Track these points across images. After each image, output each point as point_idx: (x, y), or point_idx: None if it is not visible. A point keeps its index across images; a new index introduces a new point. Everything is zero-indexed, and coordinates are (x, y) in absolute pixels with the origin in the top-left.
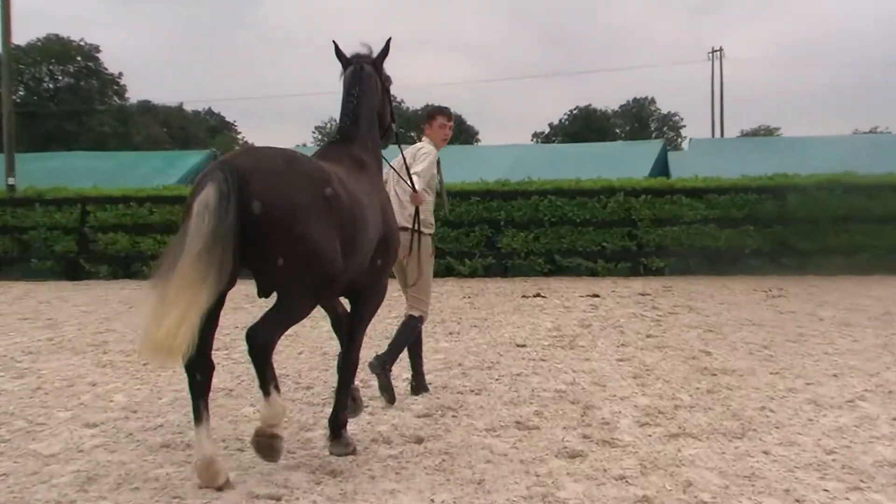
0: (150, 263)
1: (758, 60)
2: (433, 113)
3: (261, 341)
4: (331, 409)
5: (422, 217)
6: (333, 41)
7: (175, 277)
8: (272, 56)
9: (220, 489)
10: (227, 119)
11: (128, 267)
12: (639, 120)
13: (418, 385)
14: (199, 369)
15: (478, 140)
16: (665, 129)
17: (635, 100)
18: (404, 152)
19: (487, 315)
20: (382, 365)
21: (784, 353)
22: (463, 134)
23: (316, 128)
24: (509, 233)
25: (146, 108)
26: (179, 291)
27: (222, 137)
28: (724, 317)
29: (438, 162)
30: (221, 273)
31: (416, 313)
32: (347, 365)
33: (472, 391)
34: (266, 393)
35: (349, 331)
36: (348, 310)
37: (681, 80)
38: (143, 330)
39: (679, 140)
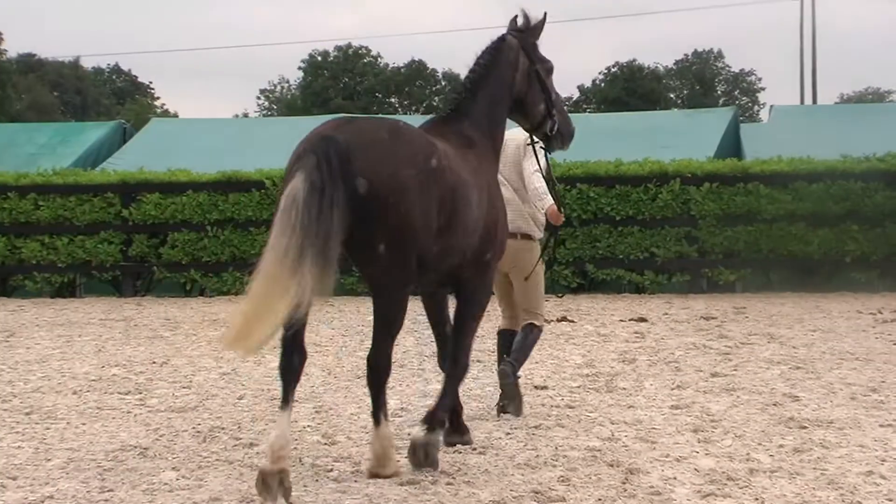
0: (34, 276)
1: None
2: None
3: (375, 361)
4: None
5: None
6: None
7: (260, 276)
8: None
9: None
10: (141, 80)
11: (3, 282)
12: (700, 81)
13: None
14: (297, 353)
15: None
16: (737, 92)
17: (696, 53)
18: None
19: (495, 346)
20: (514, 372)
21: None
22: None
23: (262, 91)
24: None
25: (29, 63)
26: (265, 292)
27: (134, 104)
28: (818, 349)
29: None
30: (317, 269)
31: (537, 322)
32: (456, 370)
33: (475, 450)
34: (376, 422)
35: (455, 334)
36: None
37: (758, 26)
38: (229, 319)
39: (756, 108)
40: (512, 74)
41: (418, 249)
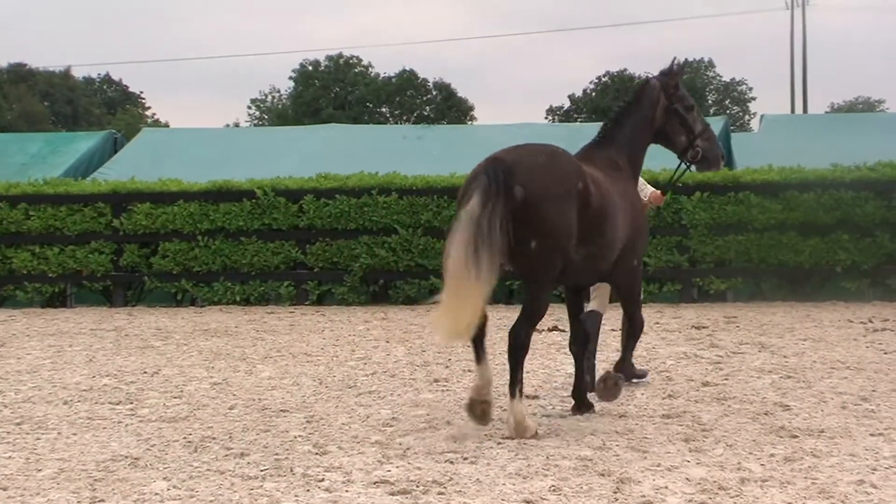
0: (25, 286)
1: (855, 9)
2: None
3: (514, 339)
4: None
5: None
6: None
7: (450, 279)
8: (190, 4)
9: (481, 420)
10: (132, 89)
11: None
12: (692, 90)
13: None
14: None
15: (473, 118)
16: (727, 102)
17: (687, 62)
18: None
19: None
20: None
21: (890, 408)
22: (453, 110)
23: (253, 101)
24: None
25: (20, 73)
26: (456, 289)
27: (125, 114)
28: (809, 358)
29: None
30: (490, 267)
31: (600, 309)
32: (633, 328)
33: (466, 459)
34: (511, 394)
35: (624, 309)
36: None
37: (749, 35)
38: (434, 318)
39: (747, 118)
40: (653, 111)
41: (562, 250)
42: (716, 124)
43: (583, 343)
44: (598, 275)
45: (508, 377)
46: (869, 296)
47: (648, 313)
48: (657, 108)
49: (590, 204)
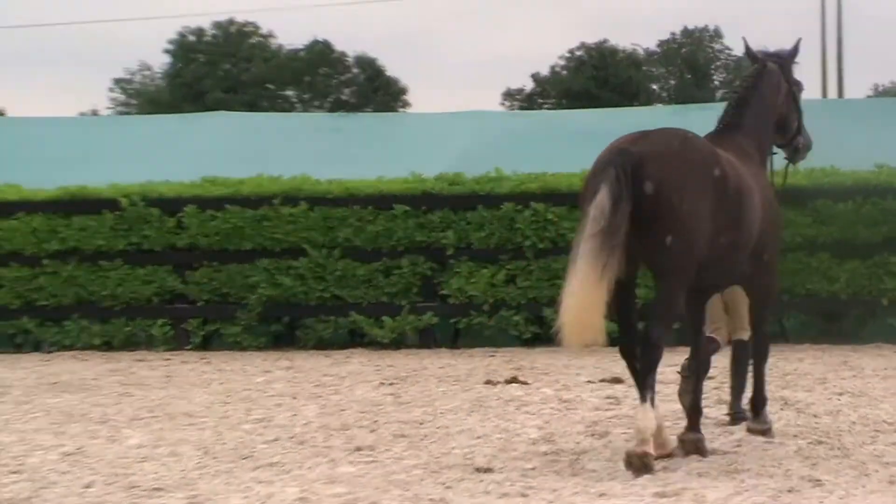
0: None
1: None
2: None
3: (654, 337)
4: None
5: None
6: (744, 38)
7: (577, 277)
8: None
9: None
10: None
11: None
12: (692, 67)
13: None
14: (632, 353)
15: (406, 104)
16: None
17: (686, 32)
18: None
19: (425, 416)
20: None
21: None
22: (380, 93)
23: (117, 82)
24: (462, 269)
25: None
26: (582, 286)
27: None
28: (846, 418)
29: None
30: (615, 263)
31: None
32: (758, 352)
33: None
34: (642, 399)
35: (753, 316)
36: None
37: None
38: (561, 320)
39: None
40: (774, 96)
41: (701, 242)
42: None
43: (702, 370)
44: (735, 273)
45: (639, 383)
46: None
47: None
48: (780, 94)
49: (727, 192)
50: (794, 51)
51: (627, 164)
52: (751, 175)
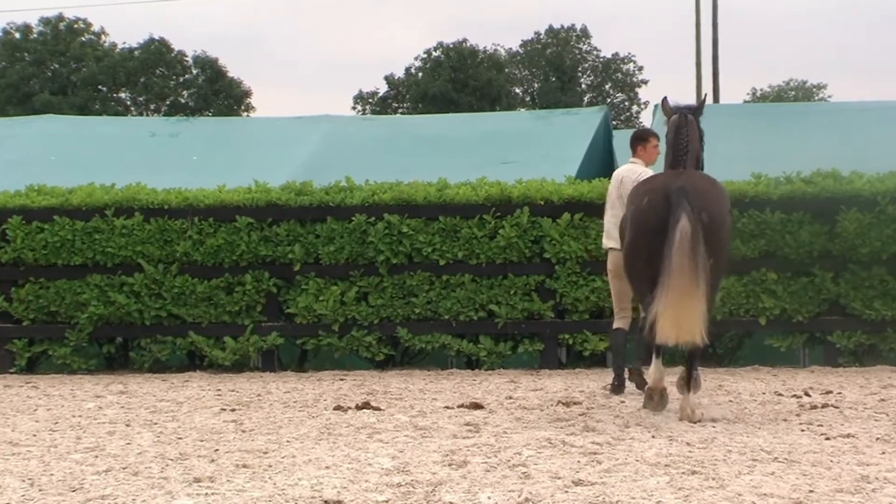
0: None
1: None
2: (646, 136)
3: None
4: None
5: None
6: (664, 98)
7: (673, 291)
8: None
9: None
10: None
11: None
12: (558, 69)
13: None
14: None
15: (249, 108)
16: (608, 87)
17: (551, 31)
18: (618, 175)
19: (269, 444)
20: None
21: None
22: (221, 95)
23: None
24: (310, 286)
25: None
26: (682, 301)
27: None
28: (721, 446)
29: None
30: (704, 274)
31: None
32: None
33: None
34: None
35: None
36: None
37: None
38: (661, 325)
39: (635, 108)
40: (697, 141)
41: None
42: (593, 117)
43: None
44: None
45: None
46: (804, 359)
47: (498, 383)
48: (698, 139)
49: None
50: (701, 105)
51: (692, 198)
52: None
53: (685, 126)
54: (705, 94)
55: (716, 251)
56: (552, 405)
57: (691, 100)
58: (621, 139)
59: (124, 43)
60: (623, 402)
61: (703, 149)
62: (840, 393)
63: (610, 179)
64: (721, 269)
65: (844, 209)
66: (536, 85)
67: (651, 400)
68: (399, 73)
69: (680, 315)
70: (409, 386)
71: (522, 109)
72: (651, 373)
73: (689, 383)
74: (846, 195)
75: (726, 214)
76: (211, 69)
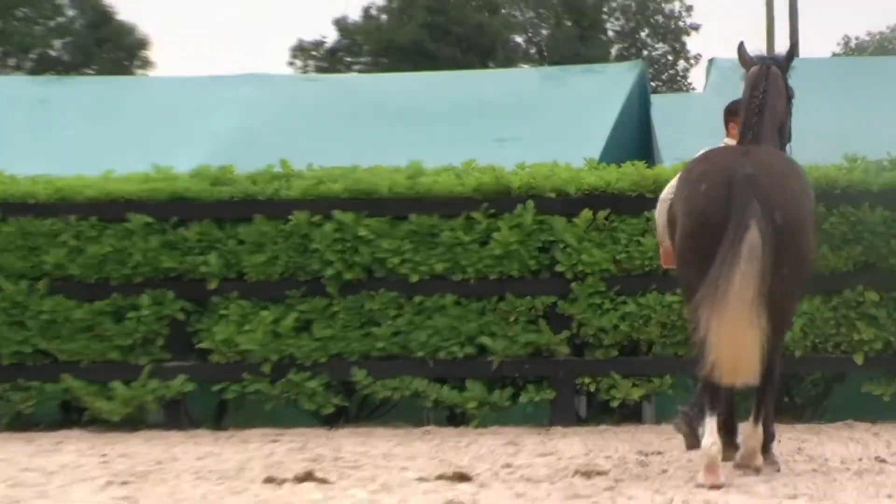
0: None
1: None
2: (738, 109)
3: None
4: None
5: None
6: (741, 42)
7: (730, 320)
8: None
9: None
10: None
11: None
12: (575, 10)
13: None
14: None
15: (148, 63)
16: (644, 34)
17: None
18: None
19: None
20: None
21: None
22: (107, 46)
23: None
24: (232, 310)
25: None
26: (740, 332)
27: None
28: None
29: None
30: (765, 300)
31: None
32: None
33: None
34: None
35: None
36: None
37: None
38: (720, 361)
39: (682, 63)
40: (782, 103)
41: (809, 274)
42: (622, 77)
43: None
44: None
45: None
46: None
47: (492, 445)
48: (782, 100)
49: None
50: (791, 55)
51: (761, 193)
52: None
53: (763, 82)
54: (795, 42)
55: (793, 263)
56: (567, 476)
57: (760, 47)
58: (663, 107)
59: None
60: (666, 470)
61: (790, 115)
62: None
63: (646, 164)
64: (798, 286)
65: None
66: (545, 32)
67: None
68: (355, 15)
69: (738, 350)
70: (369, 449)
71: (526, 66)
72: (706, 442)
73: (757, 417)
74: None
75: (808, 214)
76: (93, 11)
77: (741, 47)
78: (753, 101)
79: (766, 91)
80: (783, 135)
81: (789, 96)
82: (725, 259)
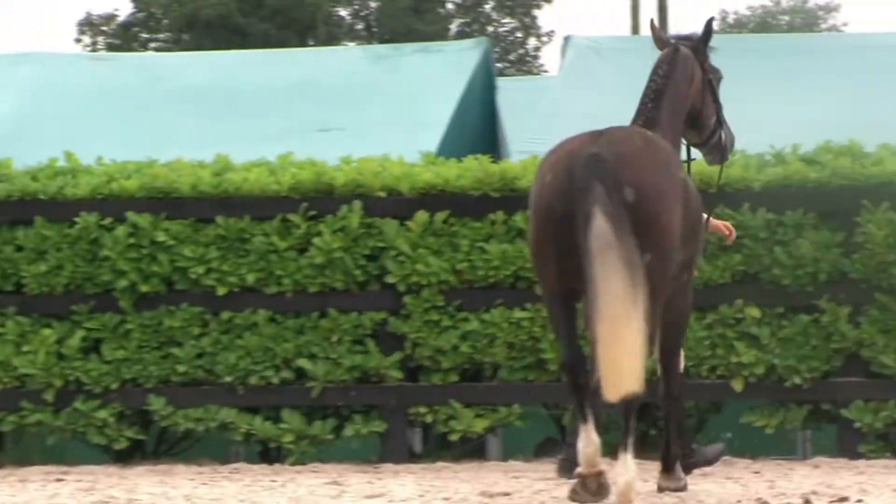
0: None
1: None
2: None
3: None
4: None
5: None
6: (651, 20)
7: (606, 322)
8: None
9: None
10: None
11: None
12: None
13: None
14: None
15: None
16: (488, 7)
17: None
18: None
19: None
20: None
21: None
22: None
23: None
24: (8, 329)
25: None
26: (617, 334)
27: None
28: None
29: None
30: (643, 289)
31: None
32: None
33: None
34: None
35: (661, 362)
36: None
37: None
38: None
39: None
40: (687, 87)
41: (674, 260)
42: (464, 57)
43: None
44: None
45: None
46: (805, 447)
47: (311, 485)
48: (692, 84)
49: (689, 197)
50: (707, 33)
51: (607, 172)
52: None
53: (665, 65)
54: (712, 18)
55: (656, 241)
56: None
57: (625, 27)
58: (511, 91)
59: None
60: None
61: (713, 98)
62: (861, 501)
63: (491, 157)
64: (668, 269)
65: (869, 206)
66: (374, 4)
67: (585, 490)
68: None
69: (619, 356)
70: (169, 490)
71: (352, 44)
72: (582, 448)
73: (626, 445)
74: (871, 183)
75: (672, 187)
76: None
77: (652, 25)
78: (651, 85)
79: (666, 75)
80: (700, 124)
81: (709, 79)
82: (587, 259)
